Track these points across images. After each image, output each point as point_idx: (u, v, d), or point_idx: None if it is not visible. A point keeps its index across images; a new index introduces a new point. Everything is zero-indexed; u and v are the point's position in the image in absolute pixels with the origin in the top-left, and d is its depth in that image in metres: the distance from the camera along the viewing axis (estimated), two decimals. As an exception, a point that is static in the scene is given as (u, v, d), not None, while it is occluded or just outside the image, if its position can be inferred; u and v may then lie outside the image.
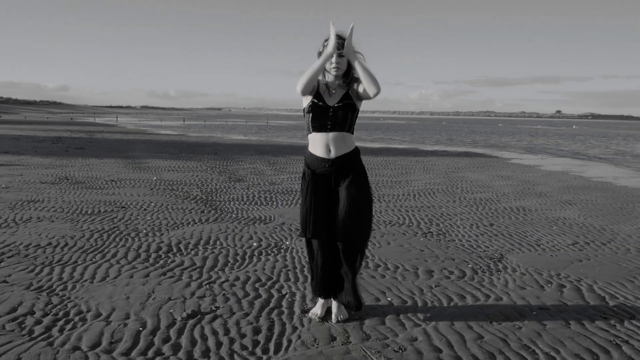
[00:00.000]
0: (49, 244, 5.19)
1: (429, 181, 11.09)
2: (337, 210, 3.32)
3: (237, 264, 4.77)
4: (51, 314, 3.46)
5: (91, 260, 4.71)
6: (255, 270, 4.57)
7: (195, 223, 6.37)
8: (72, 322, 3.34)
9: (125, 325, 3.32)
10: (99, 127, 37.62)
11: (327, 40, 3.20)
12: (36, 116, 67.05)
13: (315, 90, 3.28)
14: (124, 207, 7.22)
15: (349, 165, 3.32)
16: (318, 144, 3.29)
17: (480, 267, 4.86)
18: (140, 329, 3.28)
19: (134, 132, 30.44)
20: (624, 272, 4.80)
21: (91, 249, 5.05)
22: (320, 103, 3.26)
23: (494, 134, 44.68)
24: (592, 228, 6.69)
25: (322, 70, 3.20)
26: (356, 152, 3.38)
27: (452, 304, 3.88)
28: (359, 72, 3.12)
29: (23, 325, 3.27)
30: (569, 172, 14.12)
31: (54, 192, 8.24)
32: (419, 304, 3.87)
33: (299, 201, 3.47)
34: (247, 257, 5.00)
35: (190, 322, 3.42)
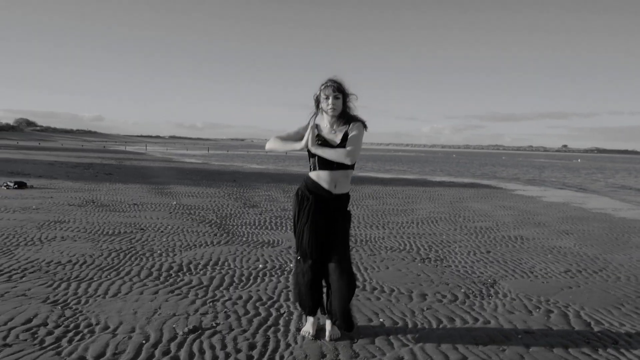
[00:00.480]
0: (69, 261, 5.29)
1: (433, 210, 11.06)
2: (330, 233, 3.36)
3: (242, 284, 4.81)
4: (62, 325, 3.53)
5: (106, 277, 4.78)
6: (258, 290, 4.60)
7: (207, 245, 6.44)
8: (81, 334, 3.40)
9: (130, 338, 3.37)
10: (128, 154, 38.31)
11: (324, 85, 3.33)
12: (72, 144, 68.50)
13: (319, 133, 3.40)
14: (143, 229, 7.33)
15: (347, 198, 3.47)
16: (323, 180, 3.36)
17: (473, 291, 4.82)
18: (144, 341, 3.33)
19: (161, 160, 30.93)
20: (612, 299, 4.73)
21: (107, 267, 5.13)
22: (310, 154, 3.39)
23: (500, 167, 44.40)
24: (585, 257, 6.59)
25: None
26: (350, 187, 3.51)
27: (441, 326, 3.86)
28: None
29: (35, 336, 3.34)
30: (570, 203, 13.96)
31: (80, 213, 8.41)
32: (410, 325, 3.85)
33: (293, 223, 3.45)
34: (251, 277, 5.03)
35: (191, 336, 3.45)
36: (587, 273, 5.72)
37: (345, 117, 3.40)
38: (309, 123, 3.41)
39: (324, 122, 3.41)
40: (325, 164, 3.31)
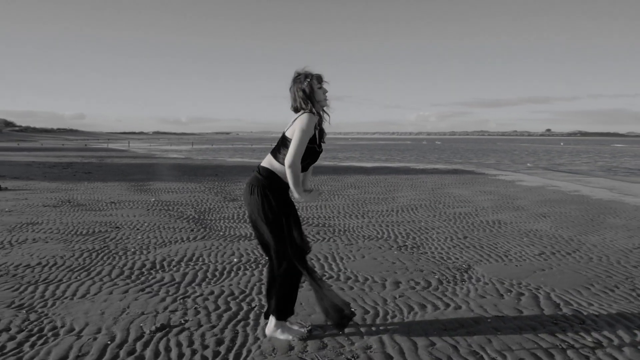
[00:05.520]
0: (39, 263, 5.20)
1: (414, 197, 11.09)
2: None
3: (215, 279, 4.77)
4: (26, 330, 3.46)
5: (76, 278, 4.71)
6: (230, 285, 4.56)
7: (183, 241, 6.38)
8: (45, 338, 3.34)
9: (95, 339, 3.32)
10: (110, 152, 37.84)
11: (317, 78, 3.20)
12: (52, 143, 67.46)
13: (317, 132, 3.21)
14: (118, 227, 7.24)
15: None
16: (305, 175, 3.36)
17: (446, 277, 4.84)
18: (109, 342, 3.28)
19: (143, 157, 30.59)
20: (582, 279, 4.77)
21: (78, 268, 5.05)
22: (319, 149, 3.26)
23: (483, 152, 44.71)
24: (560, 239, 6.66)
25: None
26: None
27: (412, 313, 3.86)
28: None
29: (-3, 341, 3.27)
30: (548, 186, 14.09)
31: (54, 214, 8.28)
32: (381, 313, 3.85)
33: (277, 226, 3.19)
34: (225, 272, 4.99)
35: (158, 335, 3.41)
36: (560, 255, 5.77)
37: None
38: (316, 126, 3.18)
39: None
40: (305, 166, 3.22)
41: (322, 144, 3.27)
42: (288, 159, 3.06)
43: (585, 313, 3.86)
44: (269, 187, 3.14)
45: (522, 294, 4.32)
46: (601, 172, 20.76)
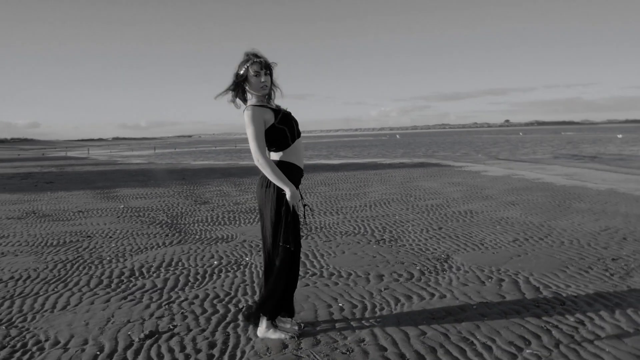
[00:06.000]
0: (12, 277, 5.02)
1: (385, 192, 11.22)
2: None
3: (198, 282, 4.72)
4: (9, 346, 3.34)
5: (53, 290, 4.57)
6: (214, 288, 4.53)
7: (159, 247, 6.27)
8: (30, 353, 3.23)
9: (83, 350, 3.24)
10: (70, 160, 36.73)
11: (251, 61, 3.11)
12: (7, 154, 64.98)
13: (265, 108, 3.13)
14: (90, 236, 7.06)
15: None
16: (299, 152, 3.24)
17: (428, 268, 4.93)
18: (98, 353, 3.21)
19: (105, 163, 29.84)
20: (557, 263, 4.95)
21: (54, 280, 4.91)
22: (280, 126, 3.14)
23: (446, 145, 45.57)
24: (531, 225, 6.87)
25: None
26: None
27: (399, 304, 3.93)
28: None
29: (-21, 359, 3.16)
30: (513, 175, 14.49)
31: (20, 226, 8.00)
32: (369, 307, 3.89)
33: (274, 217, 3.16)
34: (207, 275, 4.95)
35: (148, 342, 3.36)
36: (533, 240, 5.96)
37: (269, 97, 3.22)
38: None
39: (251, 101, 3.17)
40: (295, 133, 3.21)
41: (287, 114, 3.18)
42: (254, 157, 3.06)
43: (564, 295, 4.01)
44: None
45: (503, 280, 4.45)
46: (560, 160, 21.48)
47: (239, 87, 3.17)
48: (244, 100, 3.21)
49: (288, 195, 3.09)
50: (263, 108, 3.12)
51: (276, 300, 3.26)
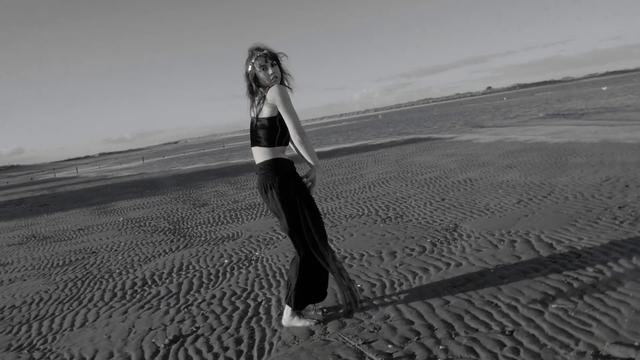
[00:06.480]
0: (24, 302, 4.98)
1: (381, 171, 11.21)
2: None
3: (212, 282, 4.70)
4: (34, 368, 3.32)
5: (68, 309, 4.54)
6: (230, 285, 4.51)
7: (167, 253, 6.24)
8: (57, 372, 3.21)
9: (110, 363, 3.22)
10: (60, 181, 36.36)
11: (255, 57, 3.07)
12: (-4, 183, 64.29)
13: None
14: (95, 252, 7.00)
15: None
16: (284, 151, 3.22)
17: (438, 239, 4.94)
18: (126, 363, 3.19)
19: (96, 179, 29.58)
20: (565, 218, 4.97)
21: (67, 299, 4.87)
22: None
23: (434, 119, 45.60)
24: (533, 185, 6.89)
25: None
26: None
27: (417, 278, 3.93)
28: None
29: (7, 385, 3.13)
30: (505, 140, 14.53)
31: (23, 252, 7.92)
32: (387, 284, 3.89)
33: (293, 212, 3.10)
34: (220, 274, 4.93)
35: (174, 347, 3.34)
36: (537, 199, 5.98)
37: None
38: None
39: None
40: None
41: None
42: (293, 133, 2.97)
43: (578, 247, 4.03)
44: (277, 176, 3.07)
45: (515, 241, 4.46)
46: (548, 120, 21.55)
47: (252, 86, 3.11)
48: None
49: (317, 174, 3.08)
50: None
51: (301, 293, 3.23)
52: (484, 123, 25.80)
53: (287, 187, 3.07)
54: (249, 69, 3.10)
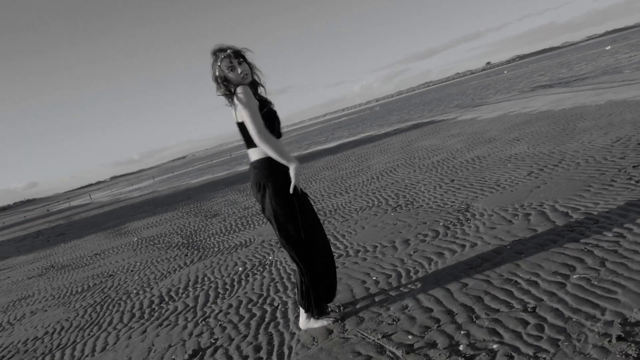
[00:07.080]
0: (46, 332, 4.96)
1: (388, 160, 11.10)
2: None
3: (228, 292, 4.65)
4: (58, 399, 3.29)
5: (89, 335, 4.51)
6: (246, 293, 4.45)
7: (181, 268, 6.21)
8: (80, 400, 3.17)
9: (132, 385, 3.18)
10: (75, 209, 36.71)
11: (220, 58, 2.96)
12: (13, 219, 65.01)
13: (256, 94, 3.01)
14: (112, 275, 7.00)
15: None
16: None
17: (451, 221, 4.84)
18: (147, 384, 3.14)
19: (109, 203, 29.80)
20: (579, 184, 4.84)
21: (87, 325, 4.85)
22: (273, 109, 3.05)
23: (436, 101, 45.25)
24: (542, 155, 6.75)
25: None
26: None
27: (432, 263, 3.84)
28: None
29: (32, 420, 3.09)
30: (509, 113, 14.33)
31: (43, 283, 7.95)
32: (403, 273, 3.81)
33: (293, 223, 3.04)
34: (235, 283, 4.88)
35: (194, 361, 3.29)
36: (548, 169, 5.85)
37: (255, 84, 3.08)
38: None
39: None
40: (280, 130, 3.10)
41: (273, 111, 3.05)
42: (253, 135, 2.85)
43: (595, 213, 3.91)
44: (270, 174, 2.98)
45: (529, 214, 4.35)
46: (551, 88, 21.24)
47: (229, 89, 2.97)
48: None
49: (292, 173, 2.91)
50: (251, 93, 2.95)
51: (312, 297, 3.15)
52: (486, 99, 25.53)
53: (282, 188, 2.98)
54: (217, 72, 2.97)
